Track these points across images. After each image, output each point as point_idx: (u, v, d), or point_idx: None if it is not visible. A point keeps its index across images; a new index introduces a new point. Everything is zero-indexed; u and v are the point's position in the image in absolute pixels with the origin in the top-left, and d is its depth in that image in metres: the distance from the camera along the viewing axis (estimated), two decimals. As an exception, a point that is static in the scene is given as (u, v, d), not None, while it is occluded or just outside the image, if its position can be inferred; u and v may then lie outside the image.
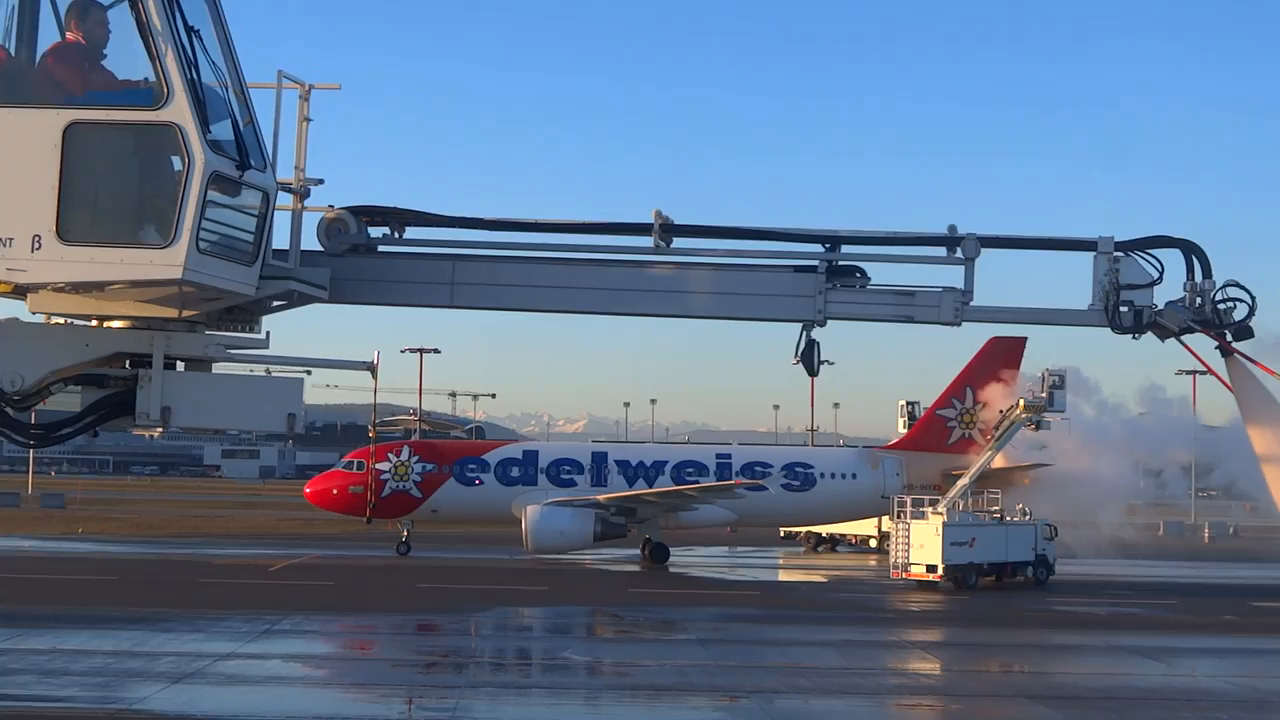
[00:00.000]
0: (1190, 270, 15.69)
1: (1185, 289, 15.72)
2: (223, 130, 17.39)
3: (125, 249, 17.20)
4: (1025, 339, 78.17)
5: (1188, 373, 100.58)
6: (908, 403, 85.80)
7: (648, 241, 18.19)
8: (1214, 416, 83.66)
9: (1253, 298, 14.91)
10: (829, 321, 17.70)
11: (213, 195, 17.07)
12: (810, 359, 17.87)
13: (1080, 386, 73.92)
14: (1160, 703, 35.47)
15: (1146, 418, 76.31)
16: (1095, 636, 48.83)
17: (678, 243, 18.19)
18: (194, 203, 16.86)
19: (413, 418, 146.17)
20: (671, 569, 73.63)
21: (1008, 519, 68.82)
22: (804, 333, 17.76)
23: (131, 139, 17.49)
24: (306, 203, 18.87)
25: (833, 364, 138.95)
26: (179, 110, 16.83)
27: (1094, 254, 16.49)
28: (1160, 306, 16.40)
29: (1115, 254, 16.27)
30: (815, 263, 17.77)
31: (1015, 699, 36.11)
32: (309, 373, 20.42)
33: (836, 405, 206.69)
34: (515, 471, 76.76)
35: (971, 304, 17.30)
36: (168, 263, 16.87)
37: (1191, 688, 38.12)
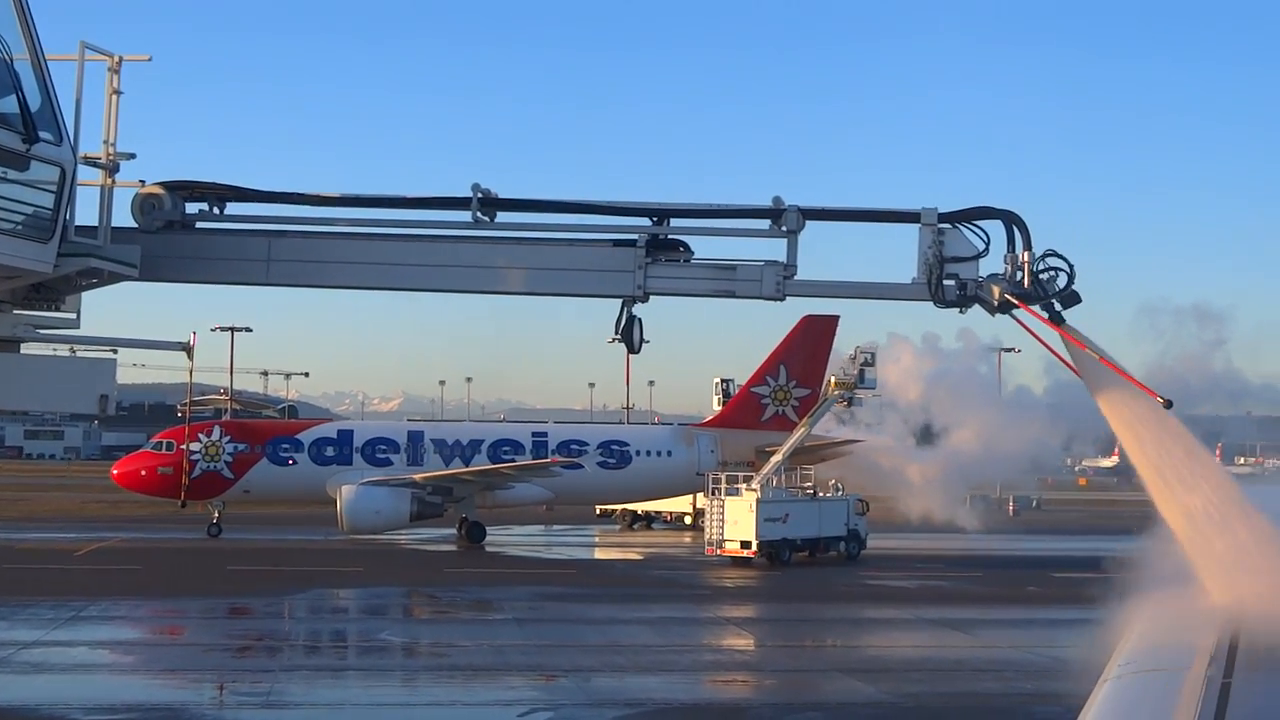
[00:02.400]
0: (1011, 241, 15.50)
1: (1005, 261, 15.63)
2: (9, 104, 16.82)
3: None
4: (838, 317, 79.28)
5: (1007, 349, 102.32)
6: (722, 380, 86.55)
7: (473, 216, 17.88)
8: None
9: (1071, 266, 14.91)
10: (650, 297, 17.47)
11: None
12: (630, 335, 17.69)
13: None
14: (968, 673, 36.40)
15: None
16: (905, 609, 49.89)
17: (502, 217, 17.92)
18: None
19: (224, 397, 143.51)
20: (488, 548, 73.48)
21: (820, 495, 69.86)
22: (624, 309, 17.49)
23: None
24: (118, 178, 18.40)
25: (649, 342, 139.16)
26: None
27: (918, 226, 16.33)
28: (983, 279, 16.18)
29: (940, 226, 16.11)
30: (635, 237, 17.51)
31: (828, 673, 36.74)
32: (115, 352, 19.95)
33: (652, 383, 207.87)
34: (330, 451, 75.79)
35: (795, 278, 17.14)
36: None
37: (997, 658, 39.15)
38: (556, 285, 18.16)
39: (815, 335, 78.93)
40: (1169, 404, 12.89)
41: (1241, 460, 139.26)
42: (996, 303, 15.28)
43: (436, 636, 42.41)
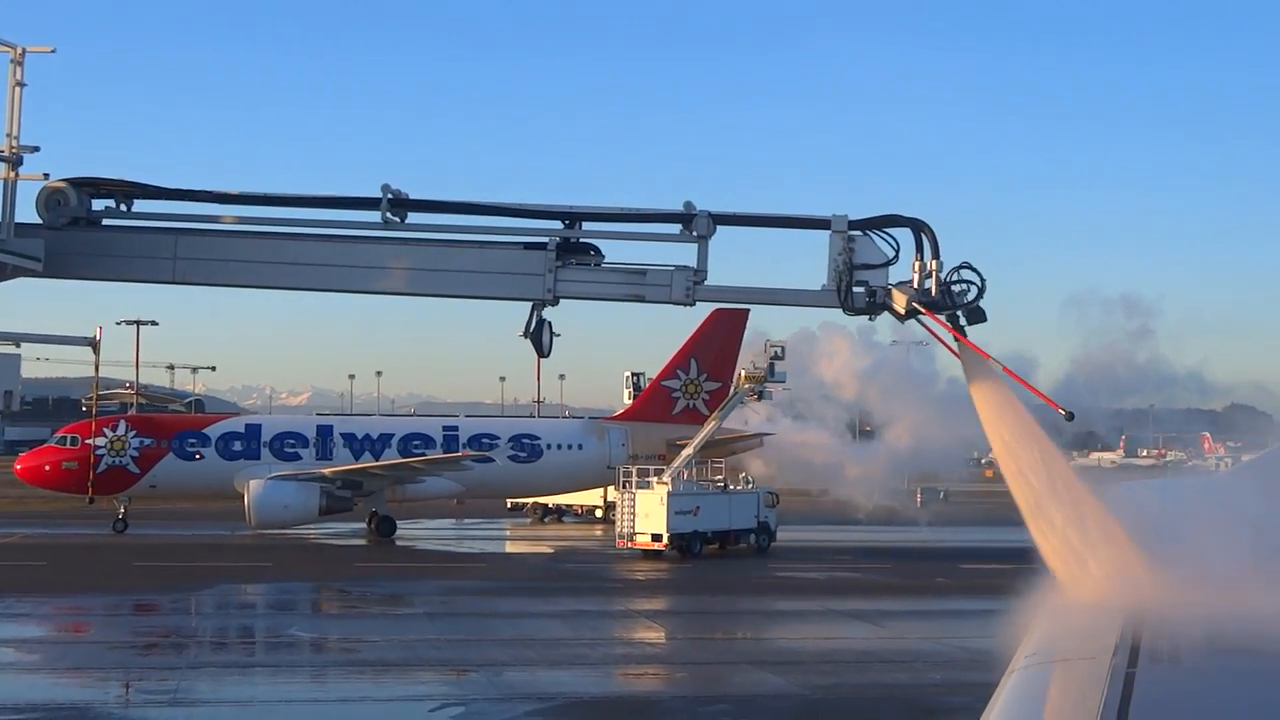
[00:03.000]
0: (920, 250, 15.45)
1: (914, 269, 15.66)
2: None
3: None
4: (748, 311, 79.34)
5: (918, 342, 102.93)
6: (633, 374, 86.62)
7: (383, 217, 17.76)
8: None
9: (983, 280, 14.96)
10: (561, 300, 17.45)
11: None
12: (540, 338, 17.62)
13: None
14: (877, 665, 36.71)
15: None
16: (814, 601, 50.21)
17: (413, 218, 17.82)
18: None
19: (129, 391, 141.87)
20: (398, 542, 73.13)
21: (731, 487, 70.15)
22: (534, 311, 17.44)
23: None
24: (21, 171, 18.16)
25: (559, 335, 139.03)
26: None
27: (829, 233, 16.35)
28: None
29: (850, 233, 16.15)
30: (545, 240, 17.45)
31: (739, 665, 36.93)
32: (19, 347, 19.71)
33: (563, 377, 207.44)
34: (237, 445, 75.15)
35: (705, 283, 17.15)
36: None
37: (906, 649, 39.50)
38: (466, 288, 18.05)
39: (726, 329, 79.14)
40: (1070, 417, 13.07)
41: (1144, 453, 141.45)
42: (903, 311, 15.25)
43: (346, 632, 42.18)
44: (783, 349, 68.17)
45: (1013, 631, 10.10)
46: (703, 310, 80.00)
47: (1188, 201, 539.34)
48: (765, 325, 71.08)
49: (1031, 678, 7.78)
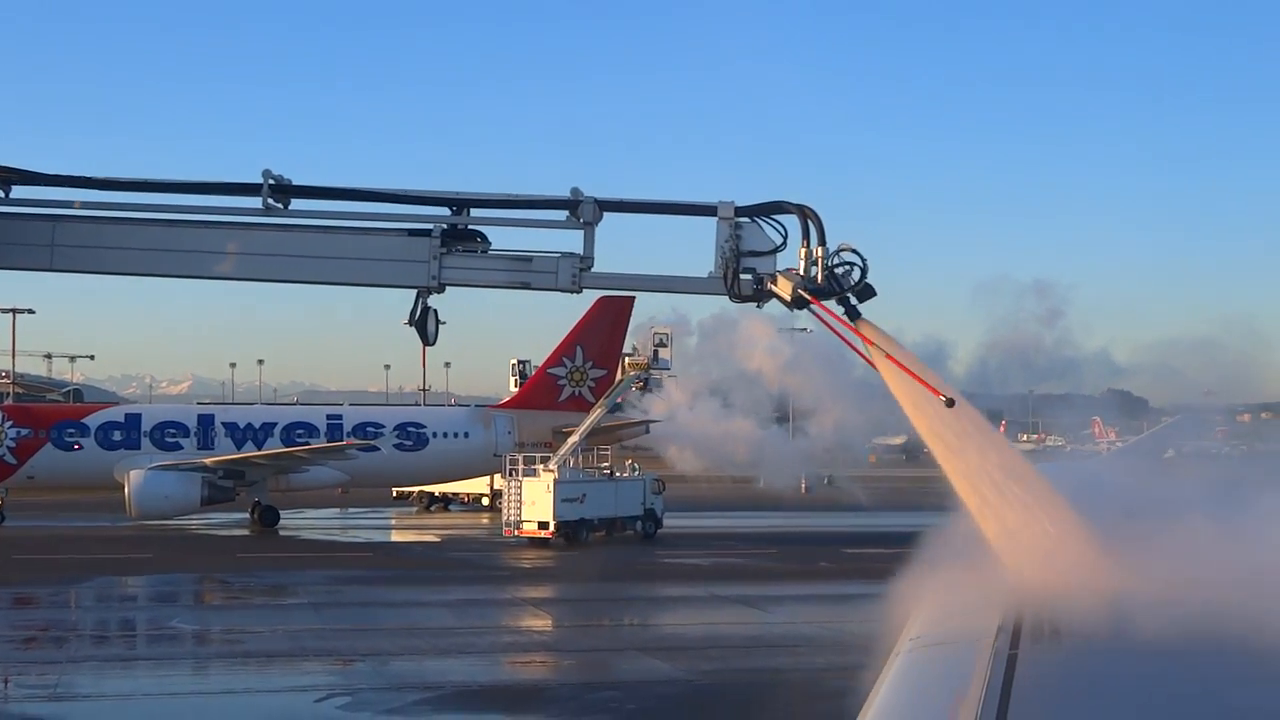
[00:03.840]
0: (806, 236, 15.24)
1: (799, 255, 15.64)
2: None
3: None
4: (634, 299, 79.59)
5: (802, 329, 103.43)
6: (519, 361, 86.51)
7: (264, 202, 17.51)
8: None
9: (864, 261, 14.85)
10: (446, 288, 17.30)
11: None
12: (424, 326, 17.47)
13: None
14: (763, 649, 37.02)
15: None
16: (700, 587, 50.48)
17: (298, 204, 17.60)
18: None
19: (5, 380, 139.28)
20: (282, 532, 72.52)
21: (617, 475, 70.32)
22: (419, 299, 17.30)
23: None
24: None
25: (445, 323, 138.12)
26: None
27: (716, 219, 16.31)
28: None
29: (737, 220, 16.11)
30: (430, 226, 17.29)
31: (625, 651, 37.07)
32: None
33: (448, 364, 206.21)
34: (117, 435, 74.08)
35: (592, 270, 17.05)
36: None
37: (791, 634, 39.84)
38: (348, 275, 17.82)
39: (611, 316, 79.30)
40: (950, 403, 13.09)
41: (1024, 437, 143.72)
42: (790, 298, 15.03)
43: (229, 623, 41.74)
44: (668, 336, 68.43)
45: (896, 614, 10.21)
46: (589, 298, 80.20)
47: (1091, 183, 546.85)
48: (689, 311, 70.46)
49: (915, 661, 7.83)
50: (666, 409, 76.63)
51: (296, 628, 39.69)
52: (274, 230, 17.50)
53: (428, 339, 17.43)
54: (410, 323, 17.44)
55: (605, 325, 79.85)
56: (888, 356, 13.68)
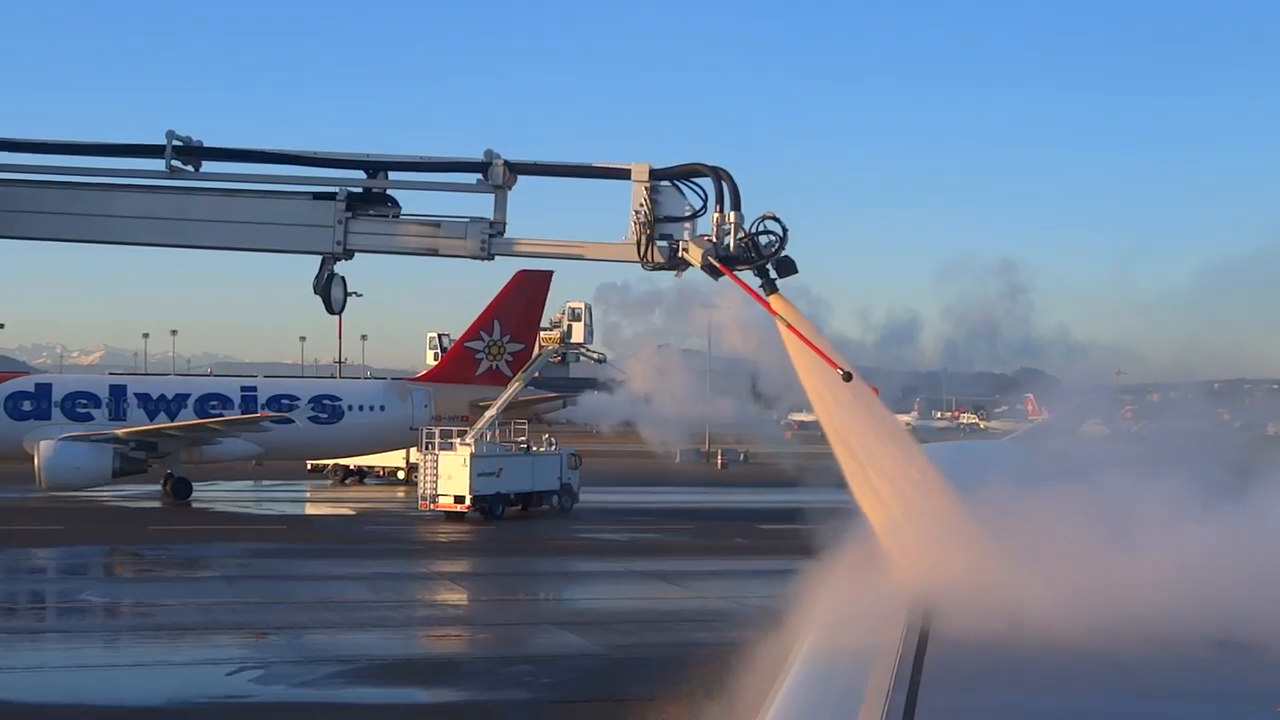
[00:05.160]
0: (720, 200, 14.65)
1: (713, 221, 14.56)
2: None
3: None
4: (552, 273, 79.56)
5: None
6: (439, 335, 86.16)
7: (167, 165, 17.07)
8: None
9: (784, 231, 14.14)
10: (355, 255, 16.84)
11: None
12: (329, 294, 16.99)
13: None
14: (678, 624, 37.16)
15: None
16: (617, 562, 50.60)
17: (208, 167, 17.21)
18: None
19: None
20: (195, 504, 71.87)
21: (534, 449, 70.27)
22: (324, 266, 16.80)
23: None
24: None
25: (360, 295, 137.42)
26: None
27: (630, 183, 15.74)
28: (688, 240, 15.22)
29: (654, 184, 15.08)
30: (335, 190, 16.79)
31: (541, 626, 37.12)
32: None
33: (365, 337, 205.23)
34: (26, 405, 73.05)
35: (503, 237, 16.55)
36: None
37: (706, 609, 40.01)
38: (251, 240, 17.31)
39: (529, 290, 79.09)
40: (848, 376, 12.90)
41: (938, 415, 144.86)
42: (700, 265, 14.46)
43: (141, 596, 41.39)
44: (580, 310, 68.36)
45: (801, 601, 10.15)
46: (508, 271, 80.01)
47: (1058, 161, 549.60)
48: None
49: (815, 668, 7.62)
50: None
51: (209, 601, 39.43)
52: (177, 194, 17.05)
53: (332, 307, 16.91)
54: (316, 290, 16.98)
55: (523, 299, 79.62)
56: (788, 327, 13.42)
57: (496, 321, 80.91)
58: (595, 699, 28.24)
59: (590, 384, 79.09)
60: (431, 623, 38.03)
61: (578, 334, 68.17)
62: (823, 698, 7.32)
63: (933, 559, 9.53)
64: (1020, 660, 7.40)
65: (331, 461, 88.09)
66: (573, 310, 68.25)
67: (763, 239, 14.11)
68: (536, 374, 71.02)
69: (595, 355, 69.39)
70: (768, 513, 68.05)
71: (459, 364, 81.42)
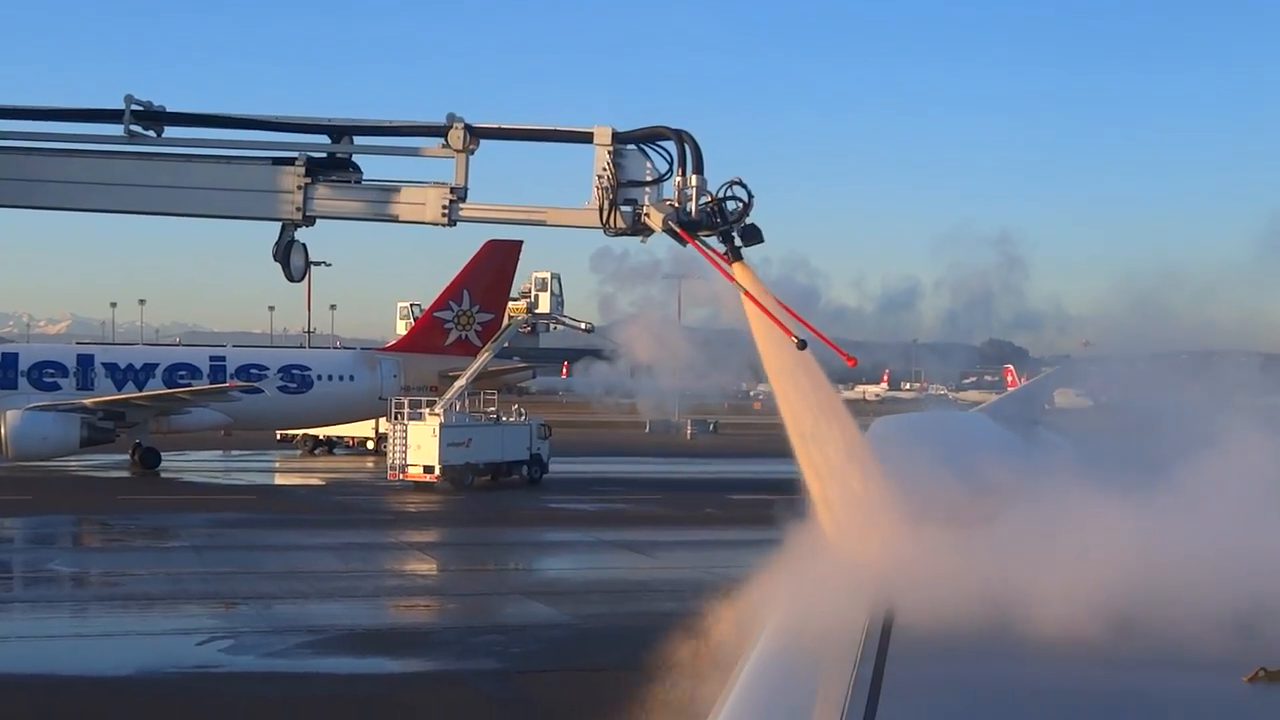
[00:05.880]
0: (682, 164, 14.21)
1: (674, 186, 14.09)
2: None
3: None
4: (521, 242, 79.39)
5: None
6: (411, 304, 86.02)
7: (125, 129, 16.82)
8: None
9: (750, 197, 13.73)
10: (316, 221, 16.56)
11: None
12: (289, 261, 16.69)
13: None
14: (647, 594, 37.25)
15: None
16: (586, 532, 50.74)
17: (170, 132, 16.98)
18: None
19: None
20: (163, 474, 71.72)
21: (503, 419, 70.31)
22: (284, 233, 16.51)
23: None
24: None
25: (329, 265, 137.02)
26: None
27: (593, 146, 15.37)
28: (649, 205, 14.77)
29: (617, 147, 14.62)
30: (294, 154, 16.52)
31: (510, 595, 37.20)
32: None
33: (334, 307, 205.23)
34: (-8, 375, 72.76)
35: (464, 203, 16.22)
36: None
37: (676, 579, 40.06)
38: (207, 206, 16.99)
39: (499, 260, 78.98)
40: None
41: (906, 386, 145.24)
42: (660, 229, 14.09)
43: (109, 565, 41.33)
44: (547, 280, 68.33)
45: (764, 581, 10.03)
46: (478, 241, 79.87)
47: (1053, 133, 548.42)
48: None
49: (769, 670, 7.27)
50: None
51: (178, 570, 39.38)
52: (135, 160, 16.82)
53: (292, 275, 16.57)
54: (275, 258, 16.68)
55: (493, 269, 79.48)
56: (745, 294, 13.22)
57: (466, 291, 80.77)
58: (565, 668, 28.34)
59: (594, 354, 78.89)
60: (401, 592, 38.06)
61: (544, 304, 68.22)
62: (779, 702, 7.04)
63: (873, 547, 9.29)
64: (990, 661, 7.16)
65: (301, 432, 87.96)
66: (540, 280, 68.23)
67: (730, 205, 13.75)
68: (506, 344, 70.99)
69: (582, 325, 69.48)
70: (737, 483, 68.30)
71: (428, 334, 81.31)
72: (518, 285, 75.83)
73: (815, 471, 12.05)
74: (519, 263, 78.80)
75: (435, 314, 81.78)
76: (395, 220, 16.20)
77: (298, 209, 15.77)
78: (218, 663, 27.96)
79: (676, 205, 14.19)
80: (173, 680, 26.53)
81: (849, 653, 6.76)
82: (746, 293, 13.14)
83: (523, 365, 78.93)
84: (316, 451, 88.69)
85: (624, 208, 14.66)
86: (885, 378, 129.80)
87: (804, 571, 9.59)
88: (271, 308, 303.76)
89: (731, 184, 13.82)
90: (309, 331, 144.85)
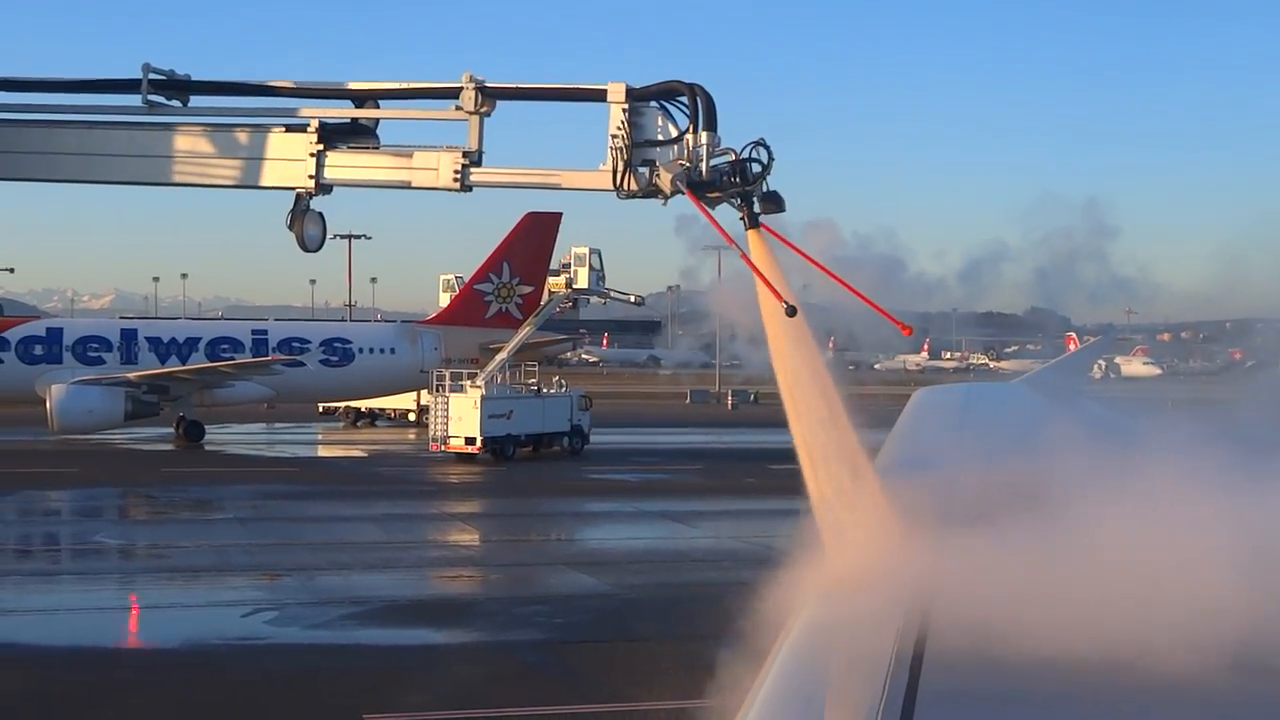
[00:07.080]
0: (694, 121, 13.46)
1: (686, 144, 13.41)
2: None
3: None
4: (560, 214, 79.42)
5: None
6: (455, 277, 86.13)
7: (144, 99, 16.64)
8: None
9: (770, 158, 12.97)
10: (333, 190, 16.21)
11: None
12: (303, 231, 16.32)
13: None
14: (688, 564, 37.37)
15: None
16: (627, 502, 50.83)
17: (195, 101, 16.80)
18: None
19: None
20: (207, 447, 72.24)
21: (545, 391, 70.46)
22: (298, 201, 16.15)
23: None
24: None
25: (370, 239, 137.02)
26: None
27: (607, 105, 14.14)
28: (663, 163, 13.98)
29: (635, 106, 13.93)
30: (306, 121, 16.18)
31: (553, 566, 37.29)
32: None
33: (374, 280, 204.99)
34: (38, 350, 73.20)
35: (479, 166, 15.70)
36: None
37: (716, 549, 40.21)
38: (221, 176, 16.90)
39: (538, 232, 79.01)
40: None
41: (947, 355, 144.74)
42: (669, 191, 13.39)
43: (155, 538, 41.66)
44: (591, 254, 68.24)
45: (794, 573, 9.70)
46: (517, 213, 79.84)
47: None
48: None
49: (793, 684, 6.78)
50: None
51: (223, 542, 39.64)
52: (150, 131, 16.62)
53: (307, 245, 16.26)
54: (289, 227, 16.32)
55: (532, 241, 79.51)
56: (743, 256, 12.79)
57: (506, 264, 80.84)
58: (609, 639, 28.43)
59: (650, 327, 78.96)
60: (444, 563, 38.22)
61: (582, 279, 68.19)
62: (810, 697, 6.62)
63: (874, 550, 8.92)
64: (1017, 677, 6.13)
65: (343, 404, 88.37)
66: (579, 255, 68.23)
67: (754, 167, 13.01)
68: (557, 311, 71.10)
69: (631, 298, 69.58)
70: (777, 453, 68.00)
71: (468, 306, 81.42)
72: (558, 258, 75.86)
73: (806, 452, 11.82)
74: (559, 234, 78.97)
75: (475, 286, 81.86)
76: (408, 186, 15.69)
77: (311, 177, 15.49)
78: (264, 635, 28.17)
79: (688, 165, 13.53)
80: (219, 652, 26.71)
81: (881, 662, 6.23)
82: (744, 255, 12.66)
83: (564, 338, 78.85)
84: (359, 424, 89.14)
85: (641, 169, 13.99)
86: (926, 347, 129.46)
87: (832, 568, 9.30)
88: (313, 281, 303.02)
89: (755, 144, 13.12)
90: (350, 305, 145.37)
